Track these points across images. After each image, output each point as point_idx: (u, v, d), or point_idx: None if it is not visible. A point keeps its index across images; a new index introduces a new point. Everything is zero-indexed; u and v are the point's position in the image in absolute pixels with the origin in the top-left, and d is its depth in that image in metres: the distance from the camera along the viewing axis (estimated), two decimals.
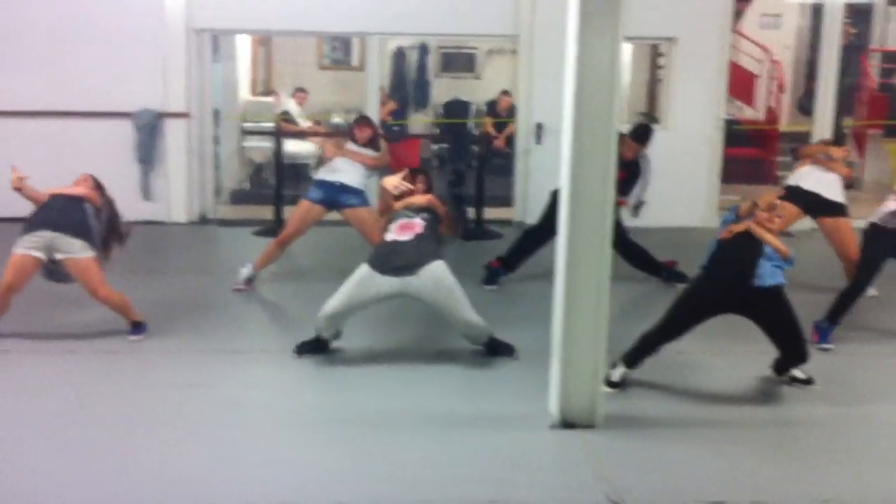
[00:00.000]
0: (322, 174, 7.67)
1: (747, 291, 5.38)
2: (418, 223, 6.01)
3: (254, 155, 13.02)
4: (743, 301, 5.45)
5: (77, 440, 4.79)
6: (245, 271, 7.52)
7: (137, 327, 6.32)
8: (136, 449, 4.71)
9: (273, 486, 4.34)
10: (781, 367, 5.71)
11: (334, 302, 5.80)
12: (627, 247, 7.75)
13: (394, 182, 6.35)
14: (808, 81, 13.86)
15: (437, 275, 5.77)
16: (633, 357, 5.60)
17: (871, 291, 7.06)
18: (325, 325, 5.89)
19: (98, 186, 6.51)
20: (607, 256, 4.89)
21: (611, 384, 5.41)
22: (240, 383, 5.66)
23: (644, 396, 5.51)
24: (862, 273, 6.56)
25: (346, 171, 7.53)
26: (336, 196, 7.51)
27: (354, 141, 7.73)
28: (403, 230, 5.96)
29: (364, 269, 5.83)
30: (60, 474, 4.42)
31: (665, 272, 7.84)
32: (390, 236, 5.99)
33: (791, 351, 5.57)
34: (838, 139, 7.86)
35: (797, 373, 5.69)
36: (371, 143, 7.75)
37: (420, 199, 6.28)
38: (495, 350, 6.05)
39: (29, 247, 6.03)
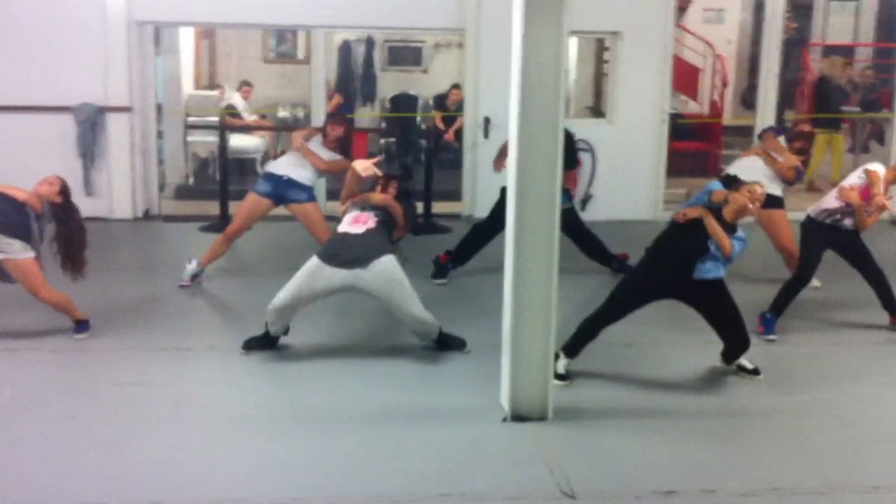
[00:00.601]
0: (271, 167, 7.60)
1: (687, 282, 5.46)
2: (371, 218, 5.96)
3: (198, 149, 12.85)
4: (682, 290, 5.56)
5: (19, 439, 4.70)
6: (191, 267, 7.43)
7: (81, 325, 6.22)
8: (80, 448, 4.63)
9: (224, 484, 4.30)
10: (729, 355, 5.78)
11: (284, 294, 5.75)
12: (580, 234, 7.79)
13: (364, 165, 6.26)
14: (751, 75, 14.04)
15: (387, 269, 5.75)
16: (573, 345, 5.65)
17: (814, 283, 7.18)
18: (275, 318, 5.84)
19: (63, 192, 6.30)
20: (555, 250, 4.91)
21: (558, 377, 5.42)
22: (187, 381, 5.60)
23: (594, 388, 5.54)
24: (804, 265, 6.67)
25: (295, 166, 7.45)
26: (284, 191, 7.43)
27: (325, 136, 7.61)
28: (356, 223, 5.92)
29: (314, 262, 5.79)
30: (3, 474, 4.33)
31: (616, 264, 7.88)
32: (342, 228, 5.95)
33: (732, 338, 5.67)
34: (803, 140, 7.83)
35: (744, 362, 5.78)
36: (341, 143, 7.58)
37: (378, 197, 6.21)
38: (446, 344, 6.04)
39: None
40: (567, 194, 7.29)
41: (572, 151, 8.03)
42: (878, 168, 6.66)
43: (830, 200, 6.67)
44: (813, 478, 4.49)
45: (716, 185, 5.65)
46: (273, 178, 7.46)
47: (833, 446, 4.87)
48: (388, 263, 5.77)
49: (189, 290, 7.35)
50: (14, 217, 6.00)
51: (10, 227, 5.94)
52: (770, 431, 5.06)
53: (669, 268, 5.53)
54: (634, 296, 5.65)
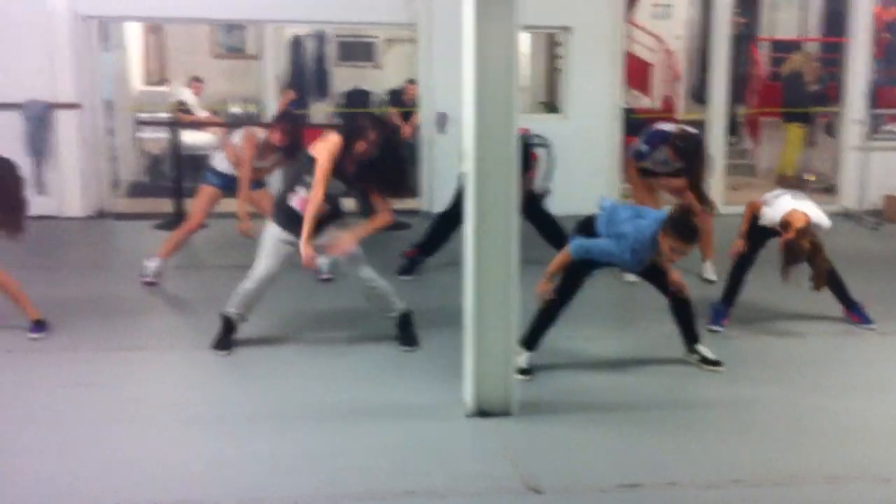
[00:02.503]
0: (217, 164, 7.50)
1: None
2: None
3: (150, 146, 12.70)
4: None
5: None
6: (152, 265, 7.34)
7: (38, 325, 6.10)
8: (35, 449, 4.53)
9: (181, 484, 4.22)
10: (685, 330, 5.84)
11: (265, 262, 5.80)
12: (540, 217, 7.85)
13: (345, 248, 5.85)
14: (701, 70, 14.17)
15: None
16: (532, 337, 5.66)
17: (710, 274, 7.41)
18: (254, 293, 5.84)
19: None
20: (515, 243, 4.90)
21: (521, 371, 5.42)
22: (144, 380, 5.52)
23: (557, 382, 5.55)
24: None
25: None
26: (232, 184, 7.37)
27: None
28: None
29: (275, 229, 5.83)
30: None
31: None
32: (293, 203, 5.83)
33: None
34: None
35: (706, 352, 5.83)
36: (286, 147, 7.21)
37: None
38: (408, 328, 6.06)
39: None
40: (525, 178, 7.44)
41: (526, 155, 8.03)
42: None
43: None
44: (773, 469, 4.52)
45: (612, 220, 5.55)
46: (220, 175, 7.39)
47: (791, 437, 4.92)
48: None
49: (145, 289, 7.26)
50: None
51: None
52: (730, 423, 5.09)
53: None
54: (581, 268, 5.66)
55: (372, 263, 6.01)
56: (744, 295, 6.64)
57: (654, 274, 5.68)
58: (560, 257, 5.63)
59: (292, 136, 7.24)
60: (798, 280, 6.19)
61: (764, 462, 4.60)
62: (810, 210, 6.25)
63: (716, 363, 5.80)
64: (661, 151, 7.56)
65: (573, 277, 5.65)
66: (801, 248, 6.05)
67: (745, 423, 5.09)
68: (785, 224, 6.18)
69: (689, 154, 7.32)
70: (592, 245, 5.51)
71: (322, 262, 7.32)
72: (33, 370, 5.61)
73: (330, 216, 5.86)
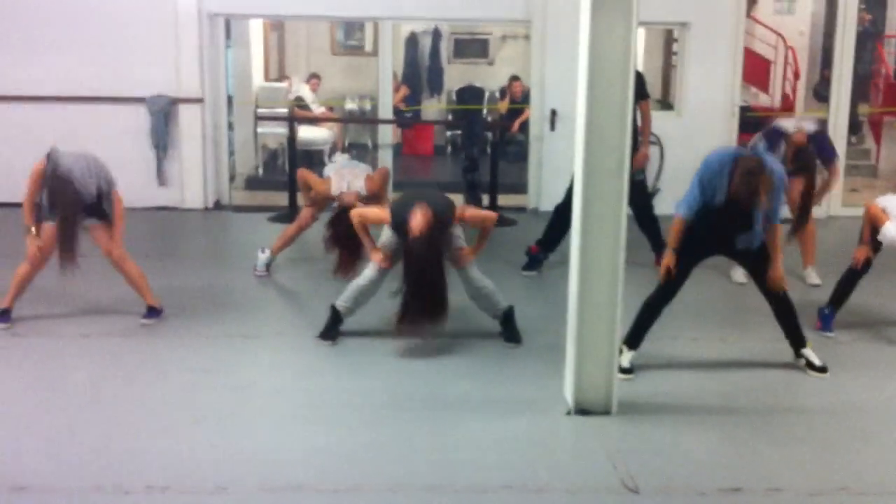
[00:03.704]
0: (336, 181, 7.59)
1: (729, 248, 5.62)
2: None
3: (268, 141, 13.04)
4: (726, 252, 5.72)
5: (88, 422, 4.83)
6: (263, 257, 7.57)
7: (152, 311, 6.35)
8: (147, 432, 4.74)
9: (287, 470, 4.36)
10: (794, 338, 5.74)
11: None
12: (645, 209, 7.80)
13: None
14: (824, 68, 13.76)
15: None
16: (635, 336, 5.64)
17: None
18: (370, 285, 6.03)
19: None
20: (622, 243, 4.88)
21: (623, 370, 5.40)
22: (253, 368, 5.70)
23: (659, 382, 5.51)
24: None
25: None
26: None
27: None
28: None
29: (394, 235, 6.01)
30: (71, 457, 4.45)
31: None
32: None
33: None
34: None
35: (813, 358, 5.70)
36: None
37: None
38: (509, 323, 6.10)
39: None
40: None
41: (642, 86, 7.80)
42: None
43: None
44: (880, 478, 4.41)
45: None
46: None
47: None
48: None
49: (257, 279, 7.47)
50: None
51: None
52: (835, 430, 4.97)
53: (710, 241, 5.57)
54: (682, 264, 5.58)
55: (484, 258, 6.08)
56: (852, 299, 6.45)
57: (760, 271, 5.59)
58: (674, 227, 5.58)
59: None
60: None
61: (870, 471, 4.49)
62: None
63: (822, 369, 5.66)
64: (778, 152, 7.22)
65: (679, 268, 5.59)
66: None
67: (850, 431, 4.96)
68: None
69: (805, 167, 6.84)
70: (686, 195, 5.50)
71: None
72: (150, 355, 5.85)
73: None
